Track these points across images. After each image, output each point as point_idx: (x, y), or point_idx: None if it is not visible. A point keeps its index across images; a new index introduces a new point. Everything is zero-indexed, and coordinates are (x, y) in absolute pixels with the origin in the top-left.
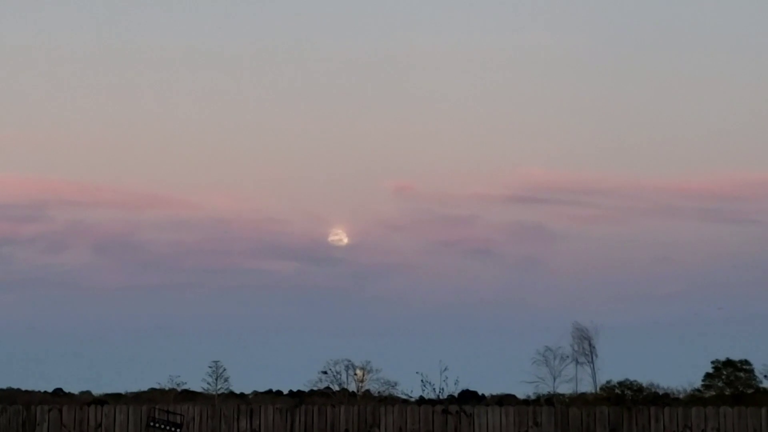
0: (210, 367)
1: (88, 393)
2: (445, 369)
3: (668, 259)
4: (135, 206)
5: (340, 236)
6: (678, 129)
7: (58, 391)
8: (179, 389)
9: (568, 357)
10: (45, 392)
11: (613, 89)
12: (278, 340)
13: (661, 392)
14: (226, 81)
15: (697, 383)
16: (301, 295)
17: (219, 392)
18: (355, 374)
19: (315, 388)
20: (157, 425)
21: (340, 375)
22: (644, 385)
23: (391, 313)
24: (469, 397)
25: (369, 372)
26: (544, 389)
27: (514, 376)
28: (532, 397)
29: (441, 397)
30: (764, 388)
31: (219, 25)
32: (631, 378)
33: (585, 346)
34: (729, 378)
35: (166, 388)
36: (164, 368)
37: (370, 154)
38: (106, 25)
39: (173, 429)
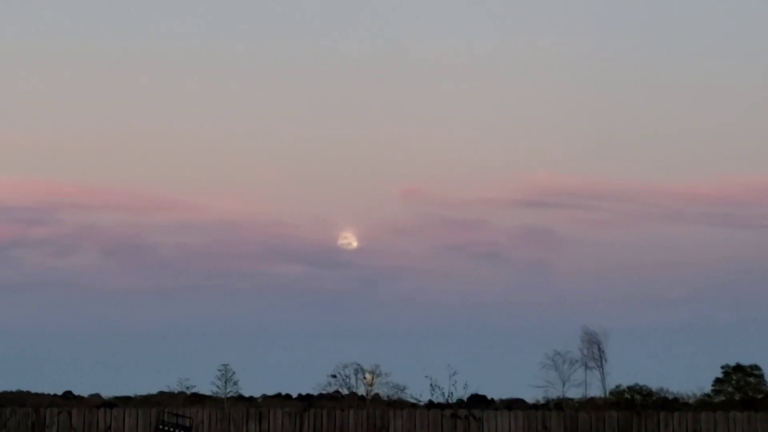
0: (219, 370)
1: (97, 396)
2: (454, 373)
3: (677, 263)
4: (144, 209)
5: (349, 240)
6: (686, 133)
7: (67, 394)
8: (188, 392)
9: (577, 361)
10: (54, 395)
11: (621, 94)
12: (287, 344)
13: (670, 397)
14: (234, 85)
15: (707, 388)
16: (310, 298)
17: (228, 395)
18: (364, 378)
19: (324, 392)
20: (166, 428)
21: (349, 379)
22: (654, 389)
23: (400, 316)
24: (478, 401)
25: (378, 376)
26: (554, 393)
27: (523, 381)
28: (541, 401)
29: (450, 401)
30: None
31: (227, 28)
32: (641, 383)
33: (594, 351)
34: (739, 383)
35: (175, 391)
36: (173, 371)
37: (378, 157)
38: (115, 27)
39: None
